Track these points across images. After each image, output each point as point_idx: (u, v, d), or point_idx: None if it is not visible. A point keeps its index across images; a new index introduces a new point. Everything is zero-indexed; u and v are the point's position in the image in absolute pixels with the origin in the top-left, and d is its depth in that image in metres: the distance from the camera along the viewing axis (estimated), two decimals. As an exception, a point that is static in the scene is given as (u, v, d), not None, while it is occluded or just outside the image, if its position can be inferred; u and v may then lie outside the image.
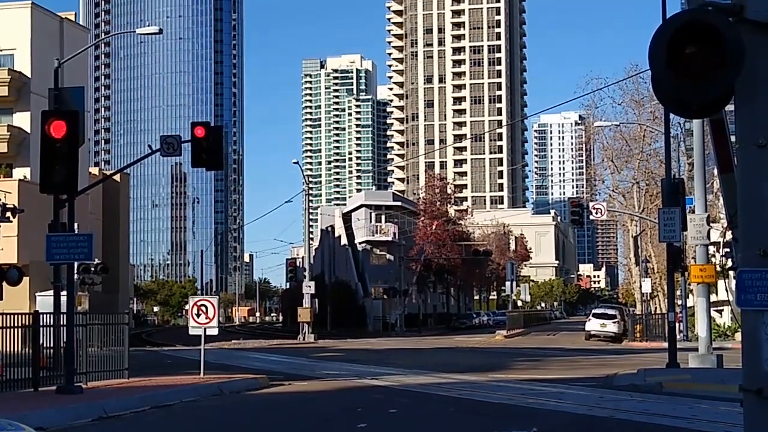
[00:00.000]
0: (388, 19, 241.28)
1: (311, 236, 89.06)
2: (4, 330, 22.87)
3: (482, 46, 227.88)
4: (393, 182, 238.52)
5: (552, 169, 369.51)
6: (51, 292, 26.75)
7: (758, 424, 6.44)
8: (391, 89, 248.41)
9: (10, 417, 8.27)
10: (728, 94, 6.67)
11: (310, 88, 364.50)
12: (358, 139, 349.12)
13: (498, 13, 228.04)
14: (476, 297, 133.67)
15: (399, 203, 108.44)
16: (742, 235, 6.64)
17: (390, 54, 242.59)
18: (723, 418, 16.74)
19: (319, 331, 70.47)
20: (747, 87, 6.53)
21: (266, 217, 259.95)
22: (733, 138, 7.19)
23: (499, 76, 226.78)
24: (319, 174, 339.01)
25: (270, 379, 27.42)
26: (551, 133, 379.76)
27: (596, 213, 52.05)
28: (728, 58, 6.35)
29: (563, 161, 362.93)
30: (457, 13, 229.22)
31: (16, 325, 23.31)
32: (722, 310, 62.61)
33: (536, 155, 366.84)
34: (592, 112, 75.23)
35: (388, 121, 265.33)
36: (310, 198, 77.14)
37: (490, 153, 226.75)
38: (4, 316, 23.03)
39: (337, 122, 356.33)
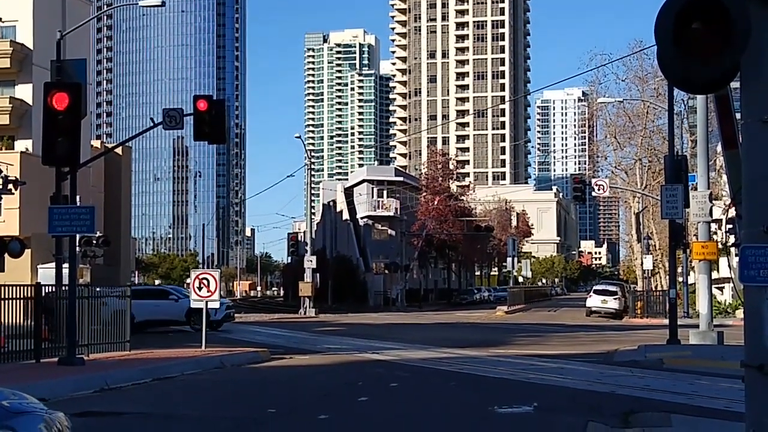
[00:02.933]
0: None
1: (313, 211, 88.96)
2: (6, 302, 22.96)
3: (486, 21, 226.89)
4: (395, 157, 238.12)
5: (555, 145, 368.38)
6: (53, 265, 26.73)
7: (760, 399, 6.45)
8: (394, 64, 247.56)
9: (13, 387, 8.28)
10: (734, 71, 6.63)
11: (313, 63, 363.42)
12: (360, 113, 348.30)
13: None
14: (477, 273, 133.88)
15: (401, 178, 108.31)
16: (746, 212, 6.63)
17: (393, 29, 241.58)
18: (723, 394, 16.77)
19: (320, 306, 70.61)
20: (753, 63, 6.49)
21: (268, 191, 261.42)
22: (738, 114, 7.16)
23: (503, 51, 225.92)
24: (321, 148, 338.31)
25: (271, 352, 27.51)
26: (554, 109, 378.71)
27: (598, 190, 52.07)
28: (734, 33, 6.31)
29: (566, 137, 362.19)
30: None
31: (18, 296, 23.39)
32: (723, 287, 62.76)
33: (539, 131, 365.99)
34: (596, 89, 75.14)
35: (391, 96, 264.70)
36: (312, 172, 77.05)
37: (493, 129, 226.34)
38: (6, 288, 23.08)
39: (339, 97, 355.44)
